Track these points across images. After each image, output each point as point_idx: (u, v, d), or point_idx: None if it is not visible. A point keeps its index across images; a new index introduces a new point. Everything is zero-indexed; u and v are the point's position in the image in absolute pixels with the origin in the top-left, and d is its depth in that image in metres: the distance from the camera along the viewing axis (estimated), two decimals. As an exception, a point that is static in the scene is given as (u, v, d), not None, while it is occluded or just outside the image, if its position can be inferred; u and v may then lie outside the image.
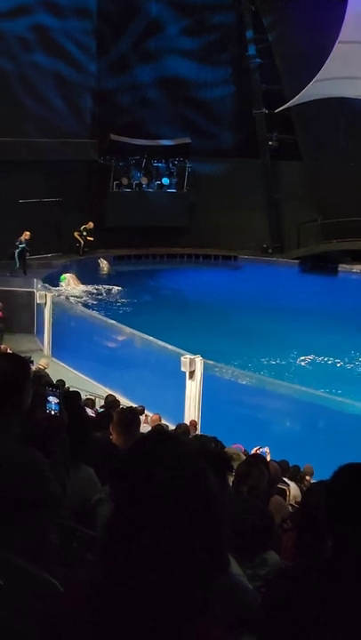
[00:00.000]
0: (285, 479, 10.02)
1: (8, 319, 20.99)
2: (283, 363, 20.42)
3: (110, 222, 30.55)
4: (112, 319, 20.25)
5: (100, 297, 26.46)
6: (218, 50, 32.55)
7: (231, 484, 5.23)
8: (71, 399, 5.54)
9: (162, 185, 32.20)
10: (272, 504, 6.37)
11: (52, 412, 3.40)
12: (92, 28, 30.16)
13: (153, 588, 1.50)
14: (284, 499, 8.35)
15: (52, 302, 21.33)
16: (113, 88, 31.35)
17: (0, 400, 3.14)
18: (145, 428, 10.15)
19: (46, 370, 16.42)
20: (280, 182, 32.50)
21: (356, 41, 26.54)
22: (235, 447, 10.71)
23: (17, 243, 24.99)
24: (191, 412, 15.69)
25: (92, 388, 17.23)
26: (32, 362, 14.67)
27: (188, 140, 31.96)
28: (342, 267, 31.18)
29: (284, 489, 8.92)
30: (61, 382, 13.56)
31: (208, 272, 31.07)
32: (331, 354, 20.93)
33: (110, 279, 28.63)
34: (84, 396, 13.53)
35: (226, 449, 9.62)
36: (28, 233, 25.10)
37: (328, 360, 20.73)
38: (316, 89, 27.36)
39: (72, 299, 24.51)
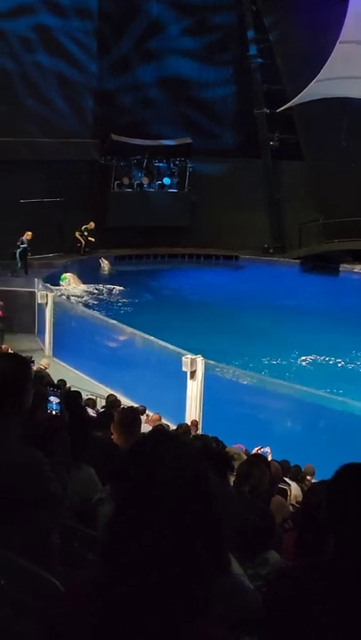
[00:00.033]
0: (286, 479, 10.02)
1: (9, 319, 21.00)
2: (284, 362, 20.41)
3: (111, 222, 30.56)
4: (113, 319, 20.24)
5: (101, 297, 26.48)
6: (219, 50, 32.57)
7: (232, 483, 5.24)
8: (72, 399, 5.55)
9: (163, 185, 32.21)
10: (273, 504, 6.37)
11: (53, 412, 3.40)
12: (94, 28, 30.18)
13: (154, 588, 1.50)
14: (286, 498, 8.35)
15: (53, 302, 21.33)
16: (114, 88, 31.37)
17: (1, 400, 3.14)
18: (145, 427, 10.16)
19: (47, 370, 16.43)
20: (281, 182, 32.51)
21: (358, 40, 26.56)
22: (236, 447, 10.71)
23: (18, 243, 25.01)
24: (192, 411, 15.69)
25: (93, 388, 17.22)
26: (33, 362, 14.66)
27: (189, 140, 31.97)
28: (344, 266, 31.19)
29: (285, 489, 8.92)
30: (62, 382, 13.57)
31: (209, 272, 31.07)
32: (332, 354, 20.92)
33: (111, 279, 28.65)
34: (85, 396, 13.54)
35: (227, 449, 9.61)
36: (29, 233, 25.12)
37: (329, 360, 20.72)
38: (318, 89, 27.36)
39: (73, 299, 24.52)
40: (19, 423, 3.19)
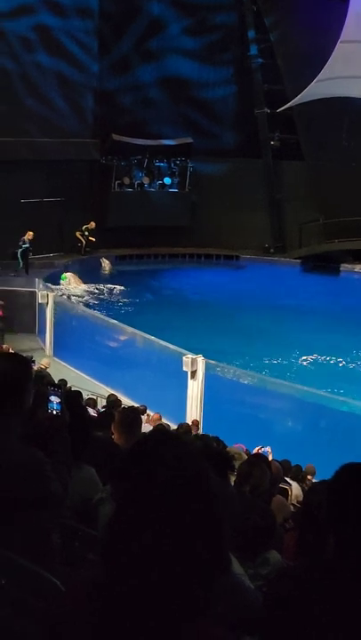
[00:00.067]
0: (287, 479, 10.02)
1: (10, 319, 21.00)
2: (285, 362, 20.41)
3: (112, 222, 30.57)
4: (114, 319, 20.25)
5: (101, 297, 26.48)
6: (220, 50, 32.57)
7: (233, 483, 5.23)
8: (73, 399, 5.56)
9: (164, 185, 32.22)
10: (274, 503, 6.37)
11: (54, 412, 3.40)
12: (94, 27, 30.19)
13: (154, 588, 1.50)
14: (286, 498, 8.35)
15: (54, 302, 21.34)
16: (115, 88, 31.38)
17: (1, 400, 3.14)
18: (146, 427, 10.16)
19: (48, 369, 16.43)
20: (282, 182, 32.51)
21: (358, 40, 26.54)
22: (236, 447, 10.71)
23: (20, 242, 25.03)
24: (193, 411, 15.69)
25: (93, 388, 17.23)
26: (34, 361, 14.68)
27: (189, 140, 31.98)
28: (344, 266, 31.18)
29: (285, 488, 8.92)
30: (63, 382, 13.55)
31: (210, 272, 31.08)
32: (333, 353, 20.92)
33: (112, 279, 28.66)
34: (85, 396, 13.55)
35: (228, 448, 9.62)
36: (31, 233, 25.14)
37: (330, 360, 20.72)
38: (318, 88, 27.36)
39: (74, 298, 24.53)
40: (19, 423, 3.19)
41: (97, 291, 26.93)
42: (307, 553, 3.73)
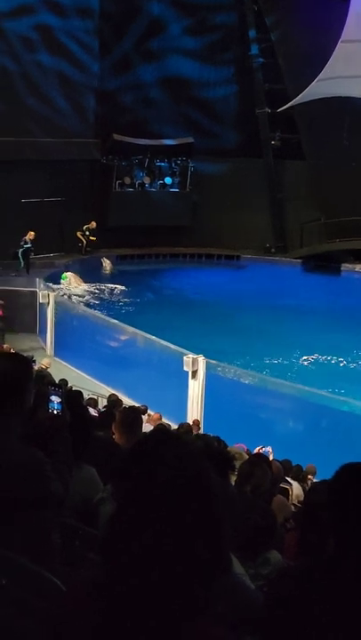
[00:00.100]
0: (288, 478, 10.03)
1: (11, 318, 21.00)
2: (285, 362, 20.40)
3: (113, 222, 30.57)
4: (115, 319, 20.26)
5: (102, 296, 26.48)
6: (220, 49, 32.55)
7: (234, 483, 5.23)
8: (73, 398, 5.56)
9: (164, 184, 32.22)
10: (275, 503, 6.37)
11: (55, 412, 3.40)
12: (95, 27, 30.20)
13: (155, 588, 1.50)
14: (287, 498, 8.35)
15: (55, 302, 21.35)
16: (116, 88, 31.38)
17: (2, 399, 3.14)
18: (146, 427, 10.16)
19: (48, 369, 16.43)
20: (283, 182, 32.51)
21: (359, 40, 26.53)
22: (237, 446, 10.70)
23: (21, 242, 25.04)
24: (194, 411, 15.69)
25: (94, 388, 17.24)
26: (34, 361, 14.67)
27: (190, 140, 31.97)
28: (345, 266, 31.17)
29: (286, 488, 8.93)
30: (64, 382, 13.54)
31: (211, 272, 31.07)
32: (334, 353, 20.92)
33: (113, 279, 28.65)
34: (86, 396, 13.55)
35: (228, 448, 9.61)
36: (32, 233, 25.15)
37: (331, 359, 20.72)
38: (319, 88, 27.36)
39: (74, 298, 24.53)
40: (20, 423, 3.19)
41: (98, 290, 26.93)
42: (307, 553, 3.73)
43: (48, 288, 22.14)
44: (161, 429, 8.99)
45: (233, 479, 5.39)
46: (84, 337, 20.51)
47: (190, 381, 15.89)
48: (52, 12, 28.51)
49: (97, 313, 21.56)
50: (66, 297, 23.46)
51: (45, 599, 2.35)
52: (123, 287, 27.31)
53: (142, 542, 1.51)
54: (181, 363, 15.90)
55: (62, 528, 3.40)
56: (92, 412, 11.11)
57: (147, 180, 31.80)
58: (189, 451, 1.63)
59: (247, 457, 8.20)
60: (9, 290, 22.32)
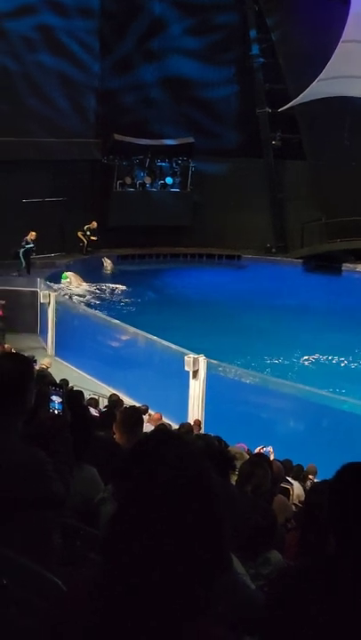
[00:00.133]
0: (289, 478, 10.03)
1: (11, 318, 20.98)
2: (286, 362, 20.40)
3: (114, 222, 30.58)
4: (116, 318, 20.25)
5: (103, 296, 26.48)
6: (221, 49, 32.55)
7: (235, 483, 5.23)
8: (74, 398, 5.56)
9: (165, 184, 32.23)
10: (275, 503, 6.37)
11: (56, 412, 3.40)
12: (96, 27, 30.21)
13: (155, 588, 1.50)
14: (288, 498, 8.36)
15: (56, 302, 21.34)
16: (117, 88, 31.38)
17: (3, 399, 3.14)
18: (147, 427, 10.16)
19: (49, 369, 16.41)
20: (284, 181, 32.51)
21: (359, 40, 26.52)
22: (238, 446, 10.71)
23: (23, 242, 25.04)
24: (195, 411, 15.69)
25: (95, 388, 17.23)
26: (35, 361, 14.66)
27: (191, 140, 31.96)
28: (346, 266, 31.16)
29: (287, 488, 8.93)
30: (65, 382, 13.54)
31: (212, 271, 31.06)
32: (334, 353, 20.91)
33: (114, 278, 28.67)
34: (87, 396, 13.55)
35: (229, 448, 9.61)
36: (33, 233, 25.15)
37: (332, 359, 20.71)
38: (320, 88, 27.35)
39: (75, 298, 24.53)
40: (21, 423, 3.20)
41: (99, 290, 26.94)
42: (308, 553, 3.74)
43: (49, 288, 22.13)
44: (162, 429, 8.99)
45: (234, 479, 5.39)
46: (84, 337, 20.51)
47: (191, 381, 15.88)
48: (54, 12, 28.52)
49: (98, 313, 21.55)
50: (67, 297, 23.45)
51: (46, 599, 2.35)
52: (123, 287, 27.32)
53: (143, 542, 1.51)
54: (182, 363, 15.89)
55: (63, 528, 3.41)
56: (93, 411, 11.12)
57: (147, 180, 31.81)
58: (190, 451, 1.63)
59: (248, 457, 8.21)
60: (10, 290, 22.32)
